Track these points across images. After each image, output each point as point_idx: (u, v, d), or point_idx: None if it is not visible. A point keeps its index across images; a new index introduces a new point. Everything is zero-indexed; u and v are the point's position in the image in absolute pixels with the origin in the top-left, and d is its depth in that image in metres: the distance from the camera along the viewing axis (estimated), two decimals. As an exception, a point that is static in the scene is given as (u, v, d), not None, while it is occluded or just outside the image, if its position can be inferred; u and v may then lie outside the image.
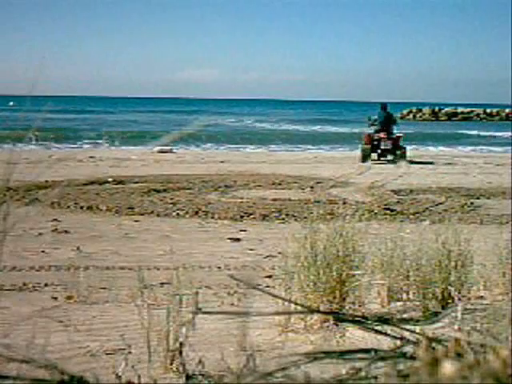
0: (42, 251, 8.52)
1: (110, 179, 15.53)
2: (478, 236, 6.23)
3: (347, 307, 5.37)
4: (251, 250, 8.91)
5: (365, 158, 20.45)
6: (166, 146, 25.98)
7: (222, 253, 8.71)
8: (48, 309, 5.76)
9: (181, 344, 4.14)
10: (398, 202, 13.26)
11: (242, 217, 11.39)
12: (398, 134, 20.86)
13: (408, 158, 20.64)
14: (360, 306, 5.45)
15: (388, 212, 12.00)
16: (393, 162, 20.23)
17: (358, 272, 5.39)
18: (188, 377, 4.02)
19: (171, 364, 4.17)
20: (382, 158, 20.69)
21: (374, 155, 20.71)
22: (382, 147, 20.45)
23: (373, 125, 20.79)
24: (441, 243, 5.59)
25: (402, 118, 67.90)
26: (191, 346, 4.19)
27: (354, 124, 46.63)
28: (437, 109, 67.53)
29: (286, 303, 4.84)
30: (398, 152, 20.41)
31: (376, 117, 20.83)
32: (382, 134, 20.36)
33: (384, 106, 20.81)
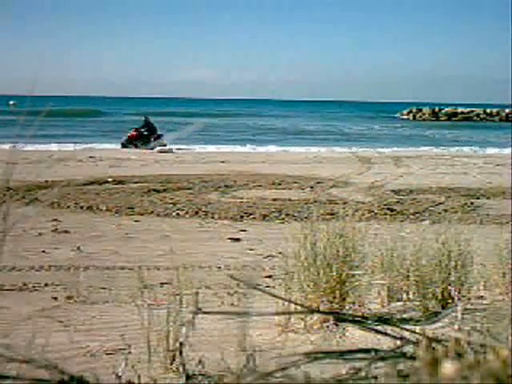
0: (42, 251, 8.52)
1: (109, 179, 15.53)
2: (478, 236, 6.22)
3: (347, 307, 5.37)
4: (251, 249, 8.91)
5: (131, 145, 29.07)
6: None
7: (222, 253, 8.71)
8: (48, 309, 5.76)
9: (181, 344, 4.14)
10: (397, 202, 13.25)
11: (241, 217, 11.39)
12: (158, 133, 30.22)
13: None
14: (360, 306, 5.44)
15: (388, 212, 12.00)
16: (153, 148, 28.70)
17: (358, 272, 5.39)
18: (188, 377, 4.02)
19: (171, 364, 4.17)
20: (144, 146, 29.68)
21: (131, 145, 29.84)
22: (146, 139, 30.00)
23: (142, 126, 30.14)
24: (441, 243, 5.59)
25: (402, 118, 68.00)
26: (191, 346, 4.19)
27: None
28: (437, 109, 67.54)
29: (286, 303, 4.84)
30: (160, 141, 29.32)
31: (144, 123, 30.50)
32: (145, 131, 30.16)
33: (146, 117, 30.68)
